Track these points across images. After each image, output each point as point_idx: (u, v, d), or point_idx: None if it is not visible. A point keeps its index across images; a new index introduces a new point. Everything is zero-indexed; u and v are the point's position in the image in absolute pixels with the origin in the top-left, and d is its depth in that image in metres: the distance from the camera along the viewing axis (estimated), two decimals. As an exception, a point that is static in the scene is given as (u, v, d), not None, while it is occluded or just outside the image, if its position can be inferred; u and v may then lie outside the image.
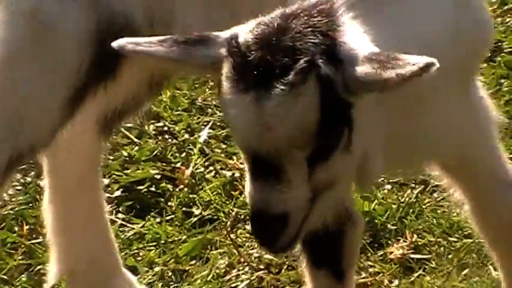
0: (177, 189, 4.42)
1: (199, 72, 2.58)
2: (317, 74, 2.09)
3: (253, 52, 2.12)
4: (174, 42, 2.20)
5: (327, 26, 2.16)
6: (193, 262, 4.11)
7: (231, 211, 4.30)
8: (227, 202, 4.34)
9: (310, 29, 2.15)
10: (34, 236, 4.25)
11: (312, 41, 2.13)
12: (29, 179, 4.48)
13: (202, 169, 4.63)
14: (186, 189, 4.46)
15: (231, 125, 2.29)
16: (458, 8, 2.47)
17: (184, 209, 4.32)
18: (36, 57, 2.80)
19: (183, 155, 4.68)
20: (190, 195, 4.40)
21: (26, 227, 4.23)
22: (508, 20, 5.89)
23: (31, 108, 2.82)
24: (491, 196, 2.84)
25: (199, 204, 4.33)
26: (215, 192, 4.37)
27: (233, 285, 4.05)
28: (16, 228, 4.21)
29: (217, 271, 4.07)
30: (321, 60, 2.10)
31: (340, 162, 2.22)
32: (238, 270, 4.10)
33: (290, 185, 2.18)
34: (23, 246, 4.18)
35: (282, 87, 2.08)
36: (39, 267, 4.03)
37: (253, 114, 2.12)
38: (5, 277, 4.09)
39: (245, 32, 2.17)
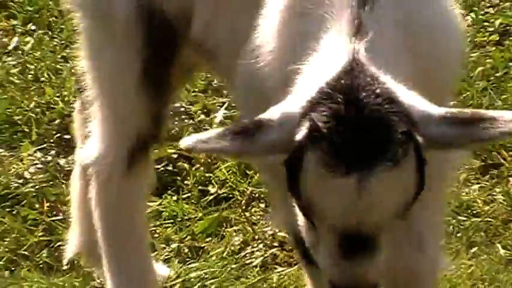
0: (193, 168, 4.45)
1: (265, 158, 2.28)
2: (415, 144, 2.03)
3: (342, 134, 2.01)
4: (234, 134, 2.08)
5: (383, 89, 2.07)
6: (208, 239, 4.14)
7: (245, 189, 4.34)
8: (242, 181, 4.37)
9: (378, 98, 2.05)
10: (54, 213, 4.30)
11: (389, 110, 2.04)
12: (49, 158, 4.54)
13: (218, 149, 4.70)
14: (202, 168, 4.48)
15: (319, 207, 2.10)
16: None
17: (200, 187, 4.34)
18: (114, 53, 2.96)
19: (200, 134, 4.74)
20: (206, 174, 4.42)
21: (46, 205, 4.28)
22: (516, 4, 5.97)
23: (127, 103, 3.00)
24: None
25: (214, 183, 4.37)
26: (230, 171, 4.40)
27: (248, 261, 4.07)
28: (37, 206, 4.27)
29: (232, 248, 4.09)
30: (414, 129, 2.03)
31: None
32: (253, 247, 4.13)
33: (380, 253, 2.12)
34: (43, 223, 4.23)
35: (387, 163, 2.00)
36: (59, 243, 4.06)
37: (356, 196, 2.02)
38: (25, 253, 4.16)
39: (315, 114, 2.04)
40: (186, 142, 2.09)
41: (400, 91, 2.08)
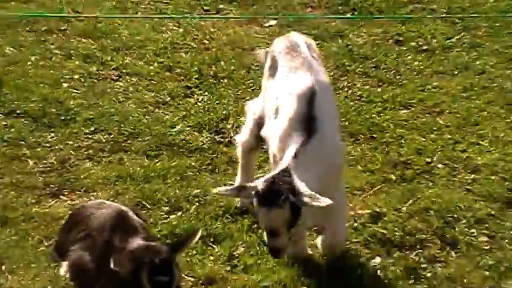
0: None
1: (247, 199, 4.90)
2: (290, 201, 4.51)
3: (264, 193, 4.54)
4: (234, 189, 4.80)
5: (289, 182, 4.54)
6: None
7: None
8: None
9: (285, 184, 4.54)
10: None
11: (285, 187, 4.52)
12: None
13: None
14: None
15: (258, 217, 4.74)
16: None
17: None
18: None
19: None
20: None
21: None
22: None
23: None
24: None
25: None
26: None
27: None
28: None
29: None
30: (290, 196, 4.50)
31: (296, 228, 4.69)
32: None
33: (282, 237, 4.66)
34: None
35: (275, 207, 4.52)
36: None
37: (266, 216, 4.59)
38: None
39: (260, 185, 4.56)
40: (216, 190, 4.92)
41: (298, 184, 4.52)
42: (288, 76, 5.01)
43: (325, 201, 4.44)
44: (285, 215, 4.54)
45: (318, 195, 4.46)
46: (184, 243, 4.71)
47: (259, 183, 4.58)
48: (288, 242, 4.70)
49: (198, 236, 4.72)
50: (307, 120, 4.72)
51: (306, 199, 4.49)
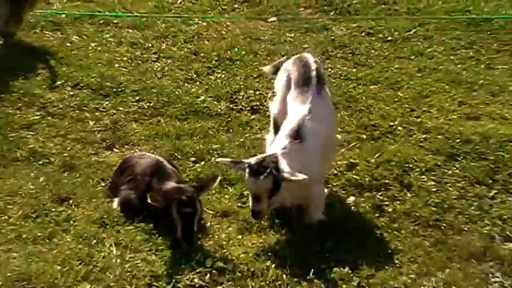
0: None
1: (241, 171, 4.71)
2: (273, 175, 4.51)
3: (254, 166, 4.53)
4: (232, 163, 4.71)
5: (275, 162, 4.55)
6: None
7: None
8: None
9: (271, 163, 4.54)
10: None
11: (271, 165, 4.52)
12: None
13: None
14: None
15: (247, 186, 4.70)
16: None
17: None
18: None
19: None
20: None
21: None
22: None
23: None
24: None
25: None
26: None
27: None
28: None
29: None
30: (274, 171, 4.51)
31: (274, 200, 4.62)
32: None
33: (263, 203, 4.60)
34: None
35: (261, 177, 4.50)
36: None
37: (253, 184, 4.55)
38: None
39: (252, 161, 4.56)
40: (218, 159, 4.92)
41: (282, 164, 4.56)
42: (294, 101, 4.97)
43: (301, 176, 4.46)
44: (267, 185, 4.52)
45: (296, 173, 4.49)
46: (206, 186, 4.72)
47: (252, 160, 4.58)
48: (267, 208, 4.66)
49: (217, 181, 4.73)
50: (295, 135, 4.72)
51: (285, 175, 4.50)
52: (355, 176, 5.31)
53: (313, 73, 5.00)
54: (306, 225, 4.81)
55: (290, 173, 4.52)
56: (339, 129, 5.85)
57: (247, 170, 4.57)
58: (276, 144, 4.80)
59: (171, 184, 4.72)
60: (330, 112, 5.10)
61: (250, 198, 4.68)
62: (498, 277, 4.49)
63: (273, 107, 5.35)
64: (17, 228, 4.65)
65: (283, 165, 4.57)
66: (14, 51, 6.80)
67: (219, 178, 4.78)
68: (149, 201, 4.54)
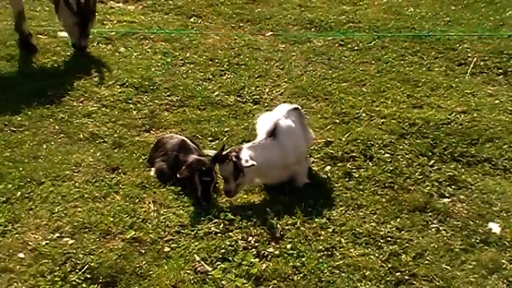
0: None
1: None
2: (233, 162, 4.36)
3: (219, 156, 4.45)
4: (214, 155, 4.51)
5: (238, 152, 4.41)
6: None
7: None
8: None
9: (233, 153, 4.41)
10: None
11: (233, 154, 4.40)
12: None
13: None
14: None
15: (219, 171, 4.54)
16: None
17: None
18: None
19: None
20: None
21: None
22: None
23: None
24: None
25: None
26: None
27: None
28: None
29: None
30: (234, 159, 4.37)
31: (240, 181, 4.47)
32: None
33: (230, 183, 4.45)
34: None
35: (224, 163, 4.39)
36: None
37: (221, 168, 4.46)
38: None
39: (219, 152, 4.46)
40: (207, 151, 4.75)
41: (243, 153, 4.43)
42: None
43: (249, 163, 4.33)
44: (230, 169, 4.38)
45: (251, 161, 4.34)
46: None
47: (219, 151, 4.46)
48: (236, 188, 4.47)
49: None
50: (270, 134, 4.59)
51: (243, 162, 4.36)
52: (330, 151, 5.27)
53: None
54: (295, 188, 4.79)
55: (246, 160, 4.36)
56: (319, 116, 5.81)
57: (214, 158, 4.46)
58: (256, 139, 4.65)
59: (193, 157, 4.69)
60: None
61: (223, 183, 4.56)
62: (435, 223, 4.49)
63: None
64: (81, 190, 4.65)
65: (244, 154, 4.41)
66: (78, 60, 6.75)
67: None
68: (178, 176, 4.52)
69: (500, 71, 6.66)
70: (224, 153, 4.46)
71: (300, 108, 5.06)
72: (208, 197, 4.52)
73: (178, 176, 4.50)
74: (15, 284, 3.84)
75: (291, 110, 4.87)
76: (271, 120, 4.70)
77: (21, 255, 4.02)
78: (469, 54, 6.93)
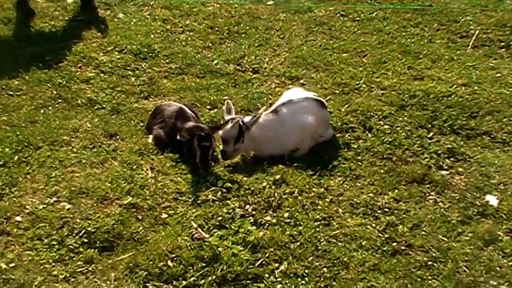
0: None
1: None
2: (239, 125, 4.48)
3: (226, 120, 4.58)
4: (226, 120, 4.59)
5: (242, 119, 4.55)
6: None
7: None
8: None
9: (239, 118, 4.52)
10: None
11: (238, 118, 4.53)
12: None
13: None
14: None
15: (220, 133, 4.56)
16: None
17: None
18: None
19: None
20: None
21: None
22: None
23: None
24: None
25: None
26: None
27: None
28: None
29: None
30: (240, 121, 4.51)
31: (238, 146, 4.53)
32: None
33: (229, 145, 4.52)
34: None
35: (229, 126, 4.47)
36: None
37: (224, 130, 4.50)
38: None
39: (227, 118, 4.57)
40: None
41: (245, 119, 4.57)
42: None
43: (251, 119, 4.56)
44: (234, 131, 4.48)
45: (252, 122, 4.53)
46: (218, 127, 4.65)
47: (226, 117, 4.58)
48: (233, 152, 4.57)
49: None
50: (274, 111, 4.76)
51: (247, 124, 4.53)
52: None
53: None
54: (294, 158, 4.76)
55: (249, 123, 4.51)
56: (318, 86, 5.76)
57: (222, 121, 4.57)
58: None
59: (191, 123, 4.65)
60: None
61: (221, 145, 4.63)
62: (432, 195, 4.48)
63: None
64: (78, 156, 4.62)
65: (246, 120, 4.56)
66: (75, 25, 6.65)
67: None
68: (178, 137, 4.49)
69: (503, 44, 6.58)
70: (229, 117, 4.57)
71: (325, 102, 5.06)
72: (207, 164, 4.50)
73: (178, 137, 4.47)
74: (13, 246, 3.83)
75: (314, 100, 4.91)
76: (286, 98, 4.82)
77: (18, 218, 4.01)
78: (472, 27, 6.85)
